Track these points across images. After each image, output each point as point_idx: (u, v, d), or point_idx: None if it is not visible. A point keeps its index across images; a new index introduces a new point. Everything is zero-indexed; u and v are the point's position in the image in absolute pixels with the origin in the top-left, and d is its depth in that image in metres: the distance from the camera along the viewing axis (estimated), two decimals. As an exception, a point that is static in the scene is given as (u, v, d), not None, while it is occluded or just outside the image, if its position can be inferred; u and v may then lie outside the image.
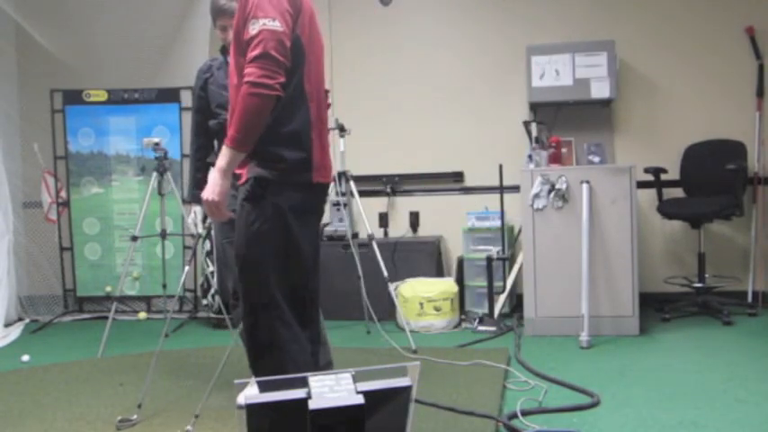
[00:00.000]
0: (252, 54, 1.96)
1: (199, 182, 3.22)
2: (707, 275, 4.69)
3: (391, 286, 4.27)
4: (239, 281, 2.17)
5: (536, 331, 4.22)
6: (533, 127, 4.80)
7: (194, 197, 3.24)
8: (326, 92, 2.32)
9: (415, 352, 3.79)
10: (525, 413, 2.73)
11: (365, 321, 4.52)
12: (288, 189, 2.10)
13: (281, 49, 1.98)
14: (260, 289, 2.12)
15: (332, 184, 4.25)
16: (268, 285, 2.11)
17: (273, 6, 2.00)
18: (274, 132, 2.06)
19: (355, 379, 1.53)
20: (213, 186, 2.02)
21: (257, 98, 1.94)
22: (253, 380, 3.08)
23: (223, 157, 2.00)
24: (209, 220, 3.25)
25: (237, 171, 2.14)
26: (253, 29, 1.97)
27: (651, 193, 4.83)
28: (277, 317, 2.12)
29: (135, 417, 2.80)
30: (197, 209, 3.25)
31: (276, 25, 1.98)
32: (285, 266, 2.16)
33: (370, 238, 4.29)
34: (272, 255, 2.12)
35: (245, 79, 1.95)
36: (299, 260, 2.19)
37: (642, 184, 4.60)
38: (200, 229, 3.29)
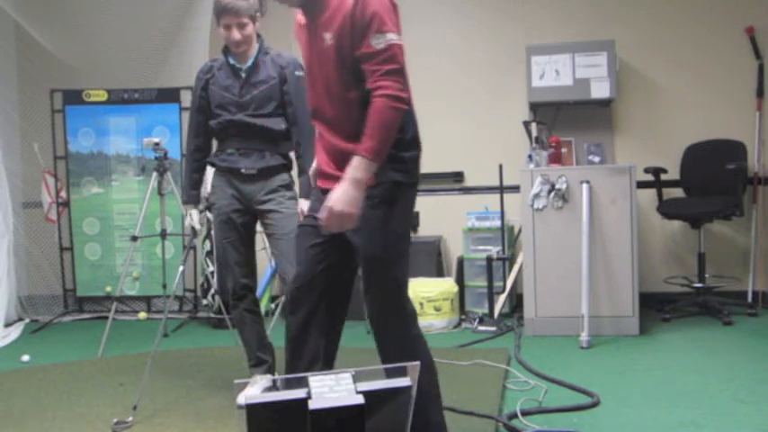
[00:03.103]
0: (387, 68, 1.99)
1: (195, 182, 3.21)
2: (707, 275, 4.69)
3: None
4: (373, 282, 2.14)
5: (536, 331, 4.22)
6: (533, 127, 4.80)
7: (191, 197, 3.22)
8: None
9: (415, 352, 3.78)
10: (525, 413, 2.73)
11: (365, 321, 4.52)
12: (411, 191, 2.16)
13: (405, 63, 2.04)
14: (403, 287, 2.17)
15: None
16: (405, 283, 2.18)
17: (393, 21, 2.03)
18: (404, 138, 2.13)
19: (355, 379, 1.53)
20: (348, 197, 1.96)
21: (396, 112, 1.99)
22: (252, 379, 3.09)
23: (359, 169, 1.97)
24: (203, 219, 3.22)
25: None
26: (379, 43, 1.99)
27: (651, 193, 4.83)
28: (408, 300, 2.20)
29: (130, 419, 2.80)
30: (193, 211, 3.23)
31: (401, 40, 2.03)
32: None
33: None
34: (405, 253, 2.20)
35: (383, 92, 1.97)
36: None
37: (642, 184, 4.60)
38: (197, 228, 3.26)
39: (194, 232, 3.29)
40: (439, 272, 5.00)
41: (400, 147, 2.12)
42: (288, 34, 5.37)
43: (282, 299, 4.38)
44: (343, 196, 1.97)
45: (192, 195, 3.20)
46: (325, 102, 2.17)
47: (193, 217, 3.21)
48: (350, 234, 2.12)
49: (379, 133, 1.99)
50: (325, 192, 2.24)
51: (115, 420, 2.78)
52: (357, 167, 1.97)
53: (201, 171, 3.20)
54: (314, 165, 2.44)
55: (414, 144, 2.16)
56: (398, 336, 2.19)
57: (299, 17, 2.24)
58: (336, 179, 2.08)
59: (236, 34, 2.92)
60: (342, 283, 2.26)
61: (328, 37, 2.09)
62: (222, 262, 3.18)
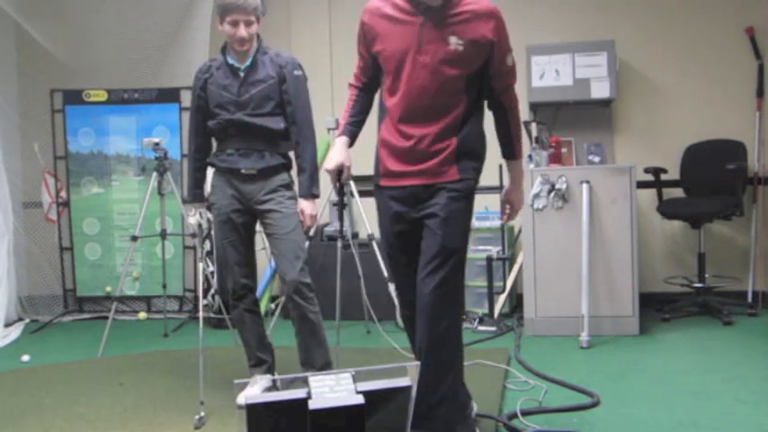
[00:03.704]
0: (514, 81, 2.42)
1: (198, 181, 3.22)
2: (707, 275, 4.69)
3: (391, 286, 4.26)
4: (443, 268, 2.25)
5: (536, 331, 4.22)
6: (533, 127, 4.80)
7: (196, 196, 3.23)
8: None
9: (415, 352, 3.79)
10: (525, 413, 2.73)
11: (365, 321, 4.52)
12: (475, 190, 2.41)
13: None
14: (462, 276, 2.42)
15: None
16: (464, 272, 2.47)
17: None
18: (481, 144, 2.42)
19: (355, 379, 1.53)
20: (523, 195, 2.56)
21: None
22: (252, 379, 3.09)
23: (521, 169, 2.53)
24: (207, 219, 3.23)
25: (443, 167, 2.32)
26: (510, 61, 2.36)
27: (651, 193, 4.83)
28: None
29: (203, 414, 2.80)
30: (202, 210, 3.24)
31: None
32: None
33: (370, 238, 4.29)
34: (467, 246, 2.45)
35: (516, 103, 2.46)
36: None
37: (642, 184, 4.60)
38: (204, 224, 3.27)
39: (201, 230, 3.30)
40: (439, 272, 4.99)
41: (481, 150, 2.39)
42: (286, 34, 5.39)
43: (282, 299, 4.38)
44: (521, 195, 2.57)
45: (196, 194, 3.22)
46: (424, 99, 2.25)
47: (202, 215, 3.22)
48: (433, 224, 2.28)
49: (520, 136, 2.49)
50: (391, 189, 2.37)
51: (197, 417, 2.77)
52: (520, 168, 2.51)
53: (204, 170, 3.20)
54: (335, 161, 2.46)
55: (485, 149, 2.44)
56: (451, 319, 2.29)
57: (387, 9, 2.26)
58: (406, 176, 2.29)
59: (243, 31, 2.92)
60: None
61: (455, 41, 2.20)
62: (222, 262, 3.18)
